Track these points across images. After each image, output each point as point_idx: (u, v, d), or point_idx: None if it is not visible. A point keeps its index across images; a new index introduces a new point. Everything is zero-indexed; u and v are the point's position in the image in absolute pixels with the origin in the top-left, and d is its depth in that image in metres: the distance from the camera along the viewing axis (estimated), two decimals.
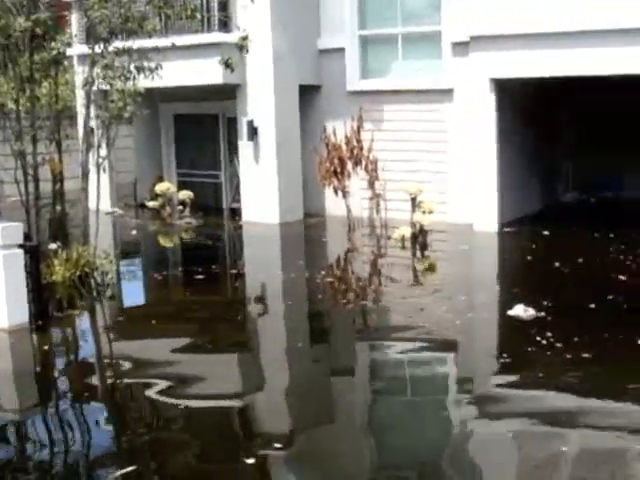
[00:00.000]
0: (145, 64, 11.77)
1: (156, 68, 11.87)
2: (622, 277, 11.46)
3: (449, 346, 9.24)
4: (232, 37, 15.83)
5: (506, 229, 15.16)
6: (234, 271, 13.34)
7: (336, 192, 16.20)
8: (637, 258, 12.74)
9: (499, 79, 14.96)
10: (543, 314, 9.68)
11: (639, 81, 13.82)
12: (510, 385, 7.93)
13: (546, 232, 14.81)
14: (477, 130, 15.30)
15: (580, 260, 12.62)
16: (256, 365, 8.87)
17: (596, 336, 8.94)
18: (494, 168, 15.16)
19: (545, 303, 10.06)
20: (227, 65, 14.56)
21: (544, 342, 8.70)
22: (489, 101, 15.13)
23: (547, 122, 17.54)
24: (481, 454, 6.47)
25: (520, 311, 9.74)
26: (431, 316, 10.16)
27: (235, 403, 7.69)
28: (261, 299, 11.78)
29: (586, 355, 8.30)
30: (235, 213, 17.54)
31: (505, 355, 8.78)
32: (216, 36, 16.26)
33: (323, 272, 12.45)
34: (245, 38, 16.13)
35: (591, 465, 6.15)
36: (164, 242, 16.33)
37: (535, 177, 17.25)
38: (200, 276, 12.34)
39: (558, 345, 8.60)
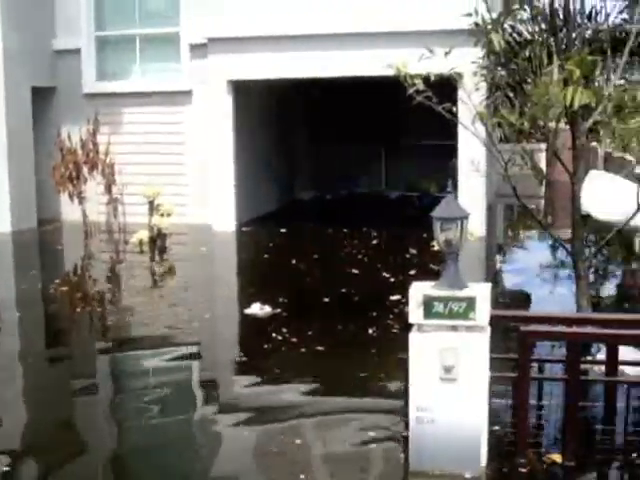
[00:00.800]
0: None
1: None
2: (355, 270, 11.92)
3: (186, 348, 9.11)
4: None
5: (244, 228, 15.40)
6: None
7: (72, 197, 15.69)
8: (369, 251, 13.31)
9: (236, 81, 15.19)
10: (279, 310, 9.85)
11: (372, 83, 14.39)
12: (248, 383, 7.95)
13: (283, 230, 15.17)
14: (214, 132, 15.41)
15: (316, 256, 13.01)
16: None
17: (329, 329, 9.22)
18: (231, 169, 15.36)
19: (281, 300, 10.24)
20: None
21: (280, 338, 8.84)
22: (226, 103, 15.30)
23: (286, 124, 17.96)
24: (220, 447, 6.52)
25: (256, 309, 9.86)
26: (168, 320, 10.02)
27: None
28: None
29: (320, 348, 8.51)
30: None
31: (242, 354, 8.85)
32: None
33: (58, 281, 11.95)
34: None
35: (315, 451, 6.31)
36: None
37: (273, 176, 17.61)
38: None
39: (293, 340, 8.78)
